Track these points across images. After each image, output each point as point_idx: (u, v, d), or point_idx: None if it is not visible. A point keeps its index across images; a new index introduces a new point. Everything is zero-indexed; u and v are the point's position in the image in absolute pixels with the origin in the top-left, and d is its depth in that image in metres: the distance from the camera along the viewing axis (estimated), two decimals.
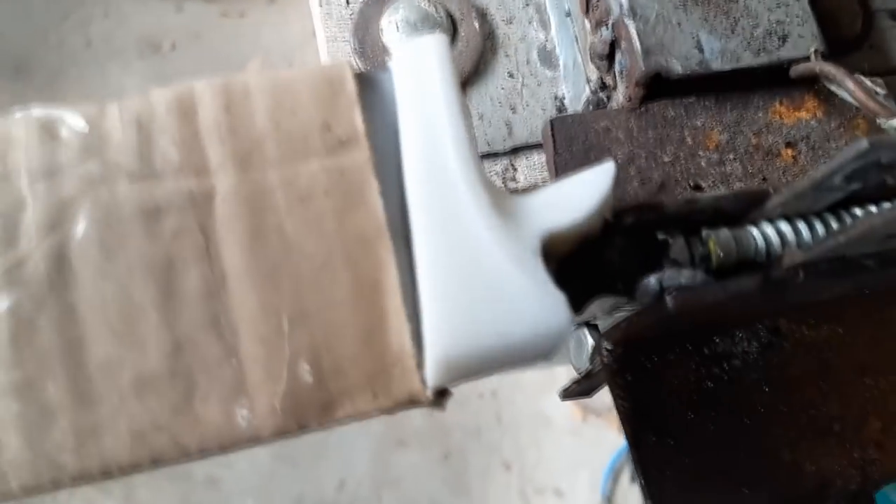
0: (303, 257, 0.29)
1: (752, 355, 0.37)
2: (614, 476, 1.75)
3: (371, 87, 0.32)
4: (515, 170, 0.47)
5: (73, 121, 0.30)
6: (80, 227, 0.29)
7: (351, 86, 0.30)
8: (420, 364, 0.29)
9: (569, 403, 1.78)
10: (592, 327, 0.46)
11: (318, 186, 0.30)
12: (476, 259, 0.29)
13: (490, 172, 0.47)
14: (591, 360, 0.45)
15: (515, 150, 0.47)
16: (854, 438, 0.38)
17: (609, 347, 0.36)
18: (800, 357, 0.37)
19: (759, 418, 0.37)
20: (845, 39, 0.52)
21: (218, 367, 0.29)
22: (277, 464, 1.73)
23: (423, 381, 0.29)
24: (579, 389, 0.49)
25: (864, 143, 0.26)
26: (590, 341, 0.46)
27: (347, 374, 0.29)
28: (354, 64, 0.47)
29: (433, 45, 0.31)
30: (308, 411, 0.29)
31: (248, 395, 0.29)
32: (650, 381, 0.37)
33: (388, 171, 0.31)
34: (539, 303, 0.28)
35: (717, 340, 0.37)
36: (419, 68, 0.31)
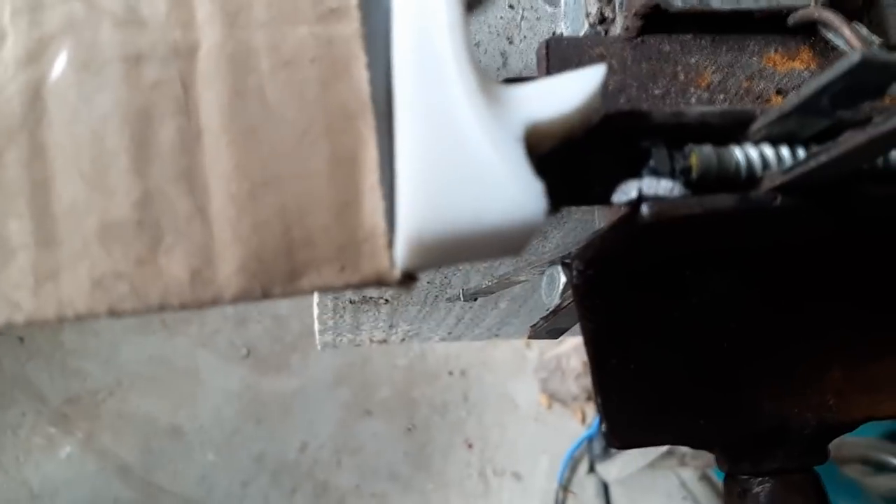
0: (282, 122, 0.29)
1: (722, 290, 0.37)
2: (573, 465, 1.76)
3: None
4: None
5: None
6: (59, 66, 0.28)
7: None
8: (391, 243, 0.29)
9: (536, 391, 1.79)
10: (565, 265, 0.46)
11: (304, 53, 0.29)
12: (457, 140, 0.28)
13: None
14: (562, 295, 0.45)
15: (509, 81, 0.47)
16: (815, 384, 0.38)
17: (580, 268, 0.36)
18: (771, 296, 0.37)
19: (724, 353, 0.37)
20: (846, 12, 0.52)
21: (186, 222, 0.28)
22: (242, 420, 1.72)
23: (392, 261, 0.29)
24: (547, 327, 0.49)
25: (856, 56, 0.26)
26: (562, 278, 0.46)
27: (317, 244, 0.29)
28: None
29: None
30: (274, 277, 0.28)
31: (213, 254, 0.28)
32: (618, 305, 0.37)
33: (378, 47, 0.30)
34: (516, 189, 0.28)
35: (688, 273, 0.37)
36: None
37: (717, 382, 0.37)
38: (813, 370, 0.37)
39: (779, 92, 0.40)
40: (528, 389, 1.78)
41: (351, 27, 0.30)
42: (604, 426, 0.36)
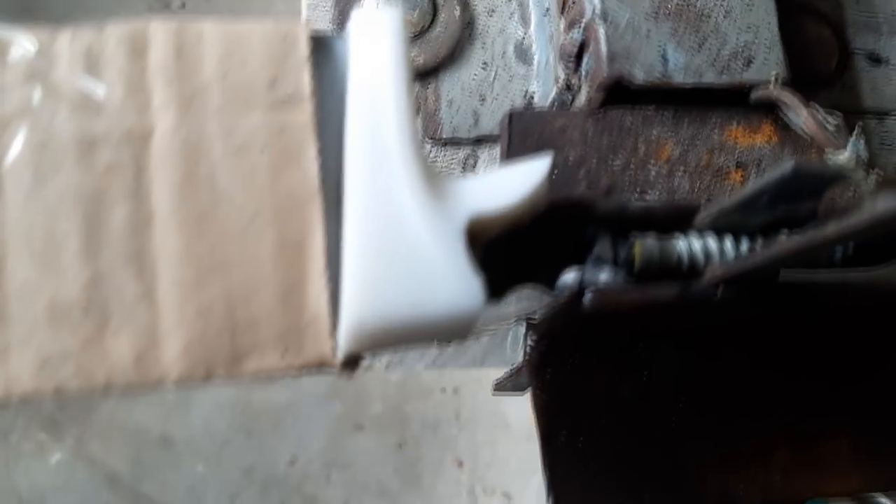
0: (231, 208, 0.30)
1: (672, 365, 0.38)
2: None
3: (325, 50, 0.32)
4: (477, 158, 0.48)
5: (24, 42, 0.30)
6: (15, 149, 0.29)
7: (304, 45, 0.31)
8: (334, 328, 0.29)
9: (528, 410, 1.78)
10: (530, 324, 0.47)
11: (256, 140, 0.30)
12: (400, 231, 0.29)
13: (451, 159, 0.47)
14: (523, 354, 0.46)
15: (479, 141, 0.48)
16: (762, 462, 0.38)
17: (534, 338, 0.37)
18: (720, 373, 0.38)
19: (672, 429, 0.38)
20: (820, 75, 0.52)
21: (133, 304, 0.29)
22: (232, 432, 1.73)
23: (335, 346, 0.29)
24: (511, 383, 0.49)
25: (788, 166, 0.26)
26: None
27: (260, 328, 0.29)
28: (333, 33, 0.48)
29: (389, 21, 0.31)
30: (217, 360, 0.29)
31: (159, 336, 0.29)
32: (570, 378, 0.37)
33: (331, 134, 0.31)
34: (456, 283, 0.29)
35: (641, 346, 0.38)
36: (373, 40, 0.31)
37: (665, 458, 0.38)
38: (759, 448, 0.38)
39: (738, 166, 0.41)
40: (521, 408, 1.78)
41: (304, 115, 0.30)
42: (550, 499, 0.37)
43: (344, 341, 0.29)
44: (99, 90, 0.29)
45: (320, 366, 0.30)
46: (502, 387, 0.50)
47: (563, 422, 0.37)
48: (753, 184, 0.28)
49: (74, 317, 0.29)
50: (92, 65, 0.30)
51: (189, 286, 0.29)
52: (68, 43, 0.30)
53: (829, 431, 0.38)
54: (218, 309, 0.29)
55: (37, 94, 0.29)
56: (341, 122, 0.31)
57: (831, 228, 0.26)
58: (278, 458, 1.70)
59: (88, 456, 1.59)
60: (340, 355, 0.29)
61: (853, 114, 0.52)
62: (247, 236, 0.30)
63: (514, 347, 0.46)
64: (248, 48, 0.30)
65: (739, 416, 0.38)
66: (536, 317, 0.42)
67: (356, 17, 0.32)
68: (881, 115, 0.52)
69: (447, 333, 0.30)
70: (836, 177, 0.27)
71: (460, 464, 1.79)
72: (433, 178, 0.30)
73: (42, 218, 0.29)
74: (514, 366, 0.48)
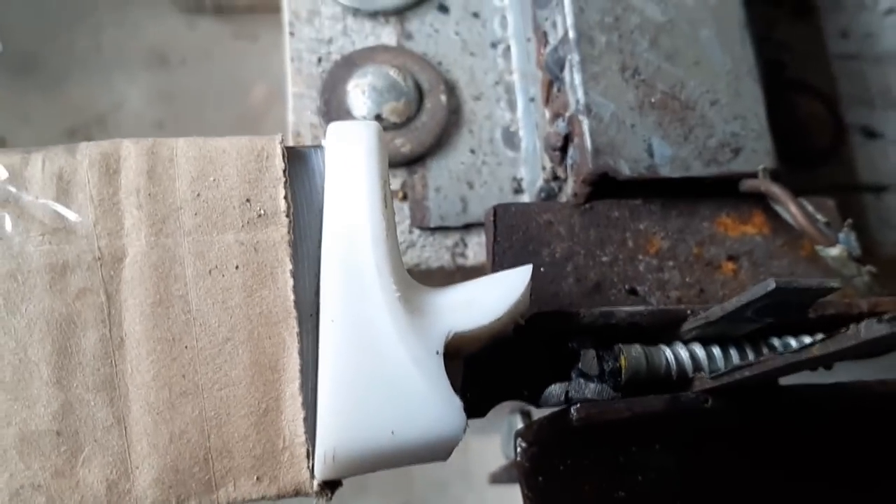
0: (204, 330, 0.29)
1: (668, 469, 0.36)
2: None
3: (302, 162, 0.32)
4: (466, 246, 0.47)
5: None
6: None
7: (278, 162, 0.30)
8: (310, 454, 0.29)
9: None
10: (525, 414, 0.46)
11: (229, 259, 0.29)
12: (377, 355, 0.28)
13: (440, 247, 0.47)
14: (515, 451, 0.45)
15: (468, 227, 0.47)
16: None
17: (523, 445, 0.36)
18: (715, 475, 0.37)
19: None
20: (814, 151, 0.52)
21: (104, 432, 0.28)
22: None
23: (311, 471, 0.29)
24: (508, 476, 0.48)
25: (770, 284, 0.26)
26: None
27: (234, 454, 0.28)
28: (318, 122, 0.48)
29: (366, 133, 0.31)
30: (189, 489, 0.28)
31: (130, 465, 0.28)
32: (562, 485, 0.36)
33: (309, 248, 0.31)
34: (434, 407, 0.28)
35: (634, 450, 0.36)
36: (349, 153, 0.31)
37: None
38: None
39: (730, 258, 0.40)
40: None
41: (278, 233, 0.30)
42: None
43: (320, 468, 0.28)
44: (71, 214, 0.29)
45: (295, 493, 0.29)
46: (498, 479, 0.49)
47: None
48: (736, 298, 0.28)
49: (45, 447, 0.28)
50: (63, 189, 0.29)
51: (162, 411, 0.28)
52: (40, 167, 0.30)
53: None
54: (191, 435, 0.28)
55: (8, 221, 0.29)
56: (319, 234, 0.31)
57: (816, 351, 0.26)
58: None
59: None
60: (317, 482, 0.29)
61: (850, 190, 0.51)
62: (220, 359, 0.29)
63: (508, 440, 0.45)
64: (222, 167, 0.30)
65: None
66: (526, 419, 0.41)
67: (332, 129, 0.32)
68: (878, 190, 0.51)
69: (426, 457, 0.29)
70: (822, 292, 0.26)
71: None
72: (411, 293, 0.29)
73: (12, 346, 0.28)
74: (509, 460, 0.47)
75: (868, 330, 0.23)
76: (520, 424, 0.45)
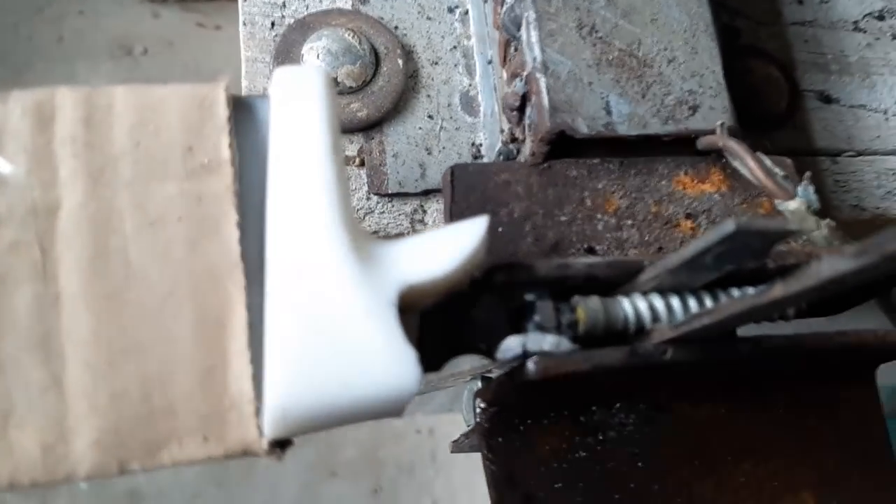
0: (145, 285, 0.28)
1: (628, 428, 0.36)
2: None
3: (247, 111, 0.30)
4: (425, 212, 0.46)
5: None
6: None
7: (222, 110, 0.29)
8: (257, 412, 0.28)
9: None
10: (486, 380, 0.45)
11: (171, 211, 0.28)
12: (327, 307, 0.27)
13: (399, 213, 0.46)
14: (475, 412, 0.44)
15: (427, 193, 0.46)
16: None
17: (482, 406, 0.35)
18: (678, 434, 0.36)
19: (630, 495, 0.36)
20: (770, 116, 0.52)
21: (40, 393, 0.27)
22: (203, 483, 1.68)
23: (260, 430, 0.28)
24: (469, 444, 0.47)
25: (729, 226, 0.25)
26: None
27: (178, 413, 0.27)
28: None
29: (313, 77, 0.30)
30: (131, 451, 0.27)
31: (67, 427, 0.27)
32: (522, 445, 0.36)
33: (255, 201, 0.29)
34: (388, 359, 0.27)
35: (594, 409, 0.36)
36: (296, 98, 0.30)
37: None
38: None
39: (688, 216, 0.40)
40: None
41: (223, 183, 0.29)
42: None
43: (269, 426, 0.27)
44: (2, 165, 0.28)
45: (244, 453, 0.28)
46: (460, 447, 0.48)
47: (516, 491, 0.36)
48: (695, 243, 0.27)
49: None
50: None
51: (100, 371, 0.27)
52: None
53: (793, 486, 0.36)
54: (132, 394, 0.27)
55: None
56: (264, 187, 0.29)
57: (777, 291, 0.25)
58: (253, 501, 1.65)
59: None
60: (265, 441, 0.28)
61: (806, 155, 0.51)
62: (162, 314, 0.28)
63: (469, 407, 0.45)
64: (163, 115, 0.29)
65: (701, 475, 0.36)
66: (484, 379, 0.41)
67: (278, 75, 0.30)
68: (834, 155, 0.51)
69: (380, 412, 0.28)
70: (781, 234, 0.26)
71: None
72: (362, 244, 0.28)
73: None
74: (469, 427, 0.46)
75: (831, 265, 0.22)
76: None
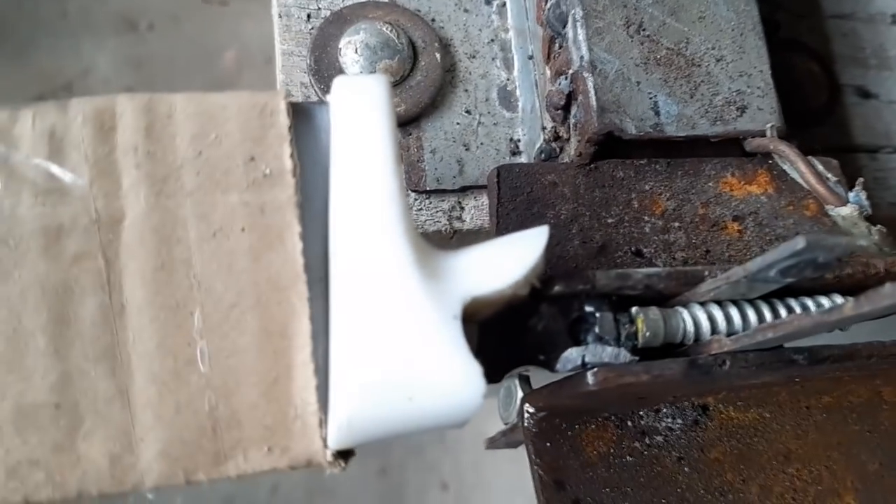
0: (209, 296, 0.28)
1: (675, 432, 0.36)
2: None
3: (306, 119, 0.30)
4: (462, 209, 0.46)
5: None
6: None
7: (283, 119, 0.29)
8: (322, 422, 0.28)
9: None
10: (524, 379, 0.45)
11: (234, 222, 0.28)
12: (392, 320, 0.27)
13: (436, 210, 0.46)
14: (518, 414, 0.44)
15: (465, 189, 0.46)
16: None
17: (530, 411, 0.35)
18: (724, 439, 0.37)
19: (677, 499, 0.36)
20: (810, 111, 0.51)
21: (106, 404, 0.27)
22: None
23: (324, 441, 0.28)
24: (506, 441, 0.48)
25: (800, 243, 0.25)
26: (520, 393, 0.44)
27: (243, 425, 0.27)
28: (309, 81, 0.46)
29: (374, 87, 0.29)
30: (197, 462, 0.27)
31: (134, 437, 0.27)
32: (569, 449, 0.36)
33: (316, 210, 0.29)
34: (453, 373, 0.27)
35: (642, 414, 0.36)
36: (356, 108, 0.29)
37: None
38: None
39: (735, 218, 0.39)
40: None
41: (285, 194, 0.28)
42: None
43: (334, 437, 0.27)
44: (65, 174, 0.27)
45: (309, 464, 0.28)
46: (495, 444, 0.48)
47: (564, 495, 0.36)
48: (763, 257, 0.27)
49: (43, 420, 0.27)
50: (56, 147, 0.28)
51: (166, 381, 0.27)
52: (30, 124, 0.28)
53: (835, 490, 0.37)
54: (198, 405, 0.27)
55: None
56: (326, 194, 0.29)
57: (848, 310, 0.25)
58: (260, 486, 1.66)
59: None
60: (330, 452, 0.28)
61: (845, 151, 0.51)
62: (227, 325, 0.28)
63: (507, 404, 0.45)
64: (224, 124, 0.29)
65: (746, 479, 0.36)
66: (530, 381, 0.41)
67: (338, 83, 0.30)
68: (873, 150, 0.51)
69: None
70: (849, 251, 0.25)
71: (445, 487, 1.76)
72: (425, 257, 0.28)
73: (5, 314, 0.27)
74: (508, 424, 0.46)
75: None
76: (519, 389, 0.45)
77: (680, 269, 0.31)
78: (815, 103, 0.51)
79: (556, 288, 0.30)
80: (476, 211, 0.46)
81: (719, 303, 0.31)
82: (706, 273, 0.31)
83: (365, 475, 1.73)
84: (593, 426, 0.36)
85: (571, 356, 0.29)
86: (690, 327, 0.30)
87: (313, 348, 0.28)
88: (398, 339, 0.27)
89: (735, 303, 0.31)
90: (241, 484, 1.69)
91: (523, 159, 0.46)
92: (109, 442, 0.27)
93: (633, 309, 0.30)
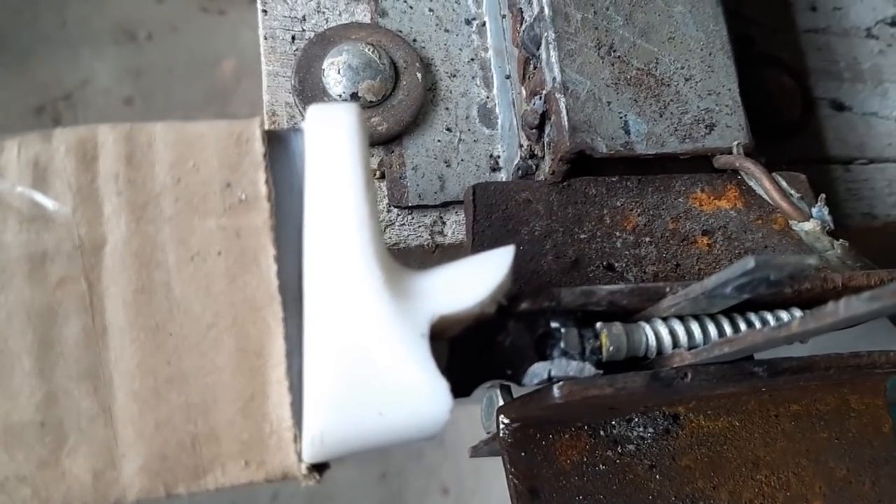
0: (188, 317, 0.29)
1: (647, 441, 0.37)
2: None
3: (281, 146, 0.31)
4: (444, 224, 0.47)
5: None
6: None
7: (258, 146, 0.30)
8: (297, 437, 0.29)
9: None
10: (504, 388, 0.46)
11: (211, 245, 0.29)
12: (362, 338, 0.28)
13: (418, 225, 0.47)
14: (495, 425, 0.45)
15: (446, 205, 0.47)
16: None
17: (505, 422, 0.36)
18: (694, 447, 0.38)
19: None
20: (784, 124, 0.52)
21: (89, 422, 0.28)
22: None
23: (299, 455, 0.29)
24: (488, 450, 0.49)
25: (750, 263, 0.26)
26: (500, 403, 0.46)
27: (221, 440, 0.29)
28: (294, 101, 0.47)
29: (346, 116, 0.31)
30: (177, 476, 0.28)
31: (117, 454, 0.28)
32: (543, 458, 0.37)
33: (291, 232, 0.31)
34: (421, 388, 0.28)
35: (614, 423, 0.37)
36: (329, 136, 0.31)
37: None
38: None
39: (705, 233, 0.41)
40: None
41: (260, 218, 0.30)
42: None
43: (308, 451, 0.29)
44: (49, 202, 0.29)
45: (284, 477, 0.29)
46: (479, 453, 0.49)
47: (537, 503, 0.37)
48: (716, 276, 0.28)
49: (30, 437, 0.28)
50: (40, 176, 0.29)
51: (147, 399, 0.28)
52: (16, 154, 0.29)
53: (804, 496, 0.38)
54: (177, 422, 0.28)
55: None
56: (301, 216, 0.30)
57: (795, 328, 0.26)
58: (260, 492, 1.68)
59: None
60: (305, 466, 0.29)
61: (818, 163, 0.52)
62: (205, 345, 0.29)
63: (489, 413, 0.46)
64: (201, 152, 0.30)
65: (716, 485, 0.37)
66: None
67: (312, 112, 0.31)
68: (847, 162, 0.52)
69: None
70: (800, 270, 0.27)
71: (445, 491, 1.77)
72: (395, 277, 0.30)
73: None
74: (490, 433, 0.47)
75: (847, 308, 0.23)
76: (500, 398, 0.46)
77: (642, 285, 0.32)
78: (789, 116, 0.52)
79: (523, 305, 0.31)
80: (457, 226, 0.47)
81: (681, 318, 0.32)
82: (667, 289, 0.32)
83: (365, 480, 1.74)
84: (567, 436, 0.37)
85: (538, 370, 0.31)
86: (653, 341, 0.31)
87: (288, 366, 0.29)
88: (368, 357, 0.28)
89: (697, 317, 0.32)
90: (241, 492, 1.70)
91: (503, 175, 0.47)
92: (93, 458, 0.28)
93: (598, 324, 0.31)
